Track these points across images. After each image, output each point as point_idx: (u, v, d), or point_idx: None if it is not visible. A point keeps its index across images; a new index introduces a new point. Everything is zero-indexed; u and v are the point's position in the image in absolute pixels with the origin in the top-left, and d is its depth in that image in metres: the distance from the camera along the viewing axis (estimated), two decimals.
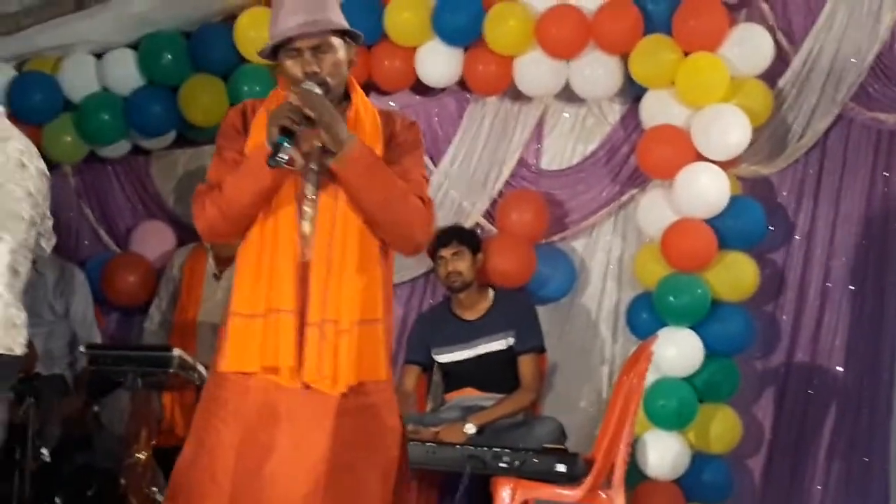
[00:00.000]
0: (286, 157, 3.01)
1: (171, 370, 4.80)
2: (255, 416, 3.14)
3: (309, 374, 3.12)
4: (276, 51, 3.20)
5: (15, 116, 5.66)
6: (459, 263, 5.30)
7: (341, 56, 3.19)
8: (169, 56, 5.90)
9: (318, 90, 3.11)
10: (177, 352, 4.81)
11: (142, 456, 4.91)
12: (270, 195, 3.13)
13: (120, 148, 6.16)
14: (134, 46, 5.97)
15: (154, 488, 4.90)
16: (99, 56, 6.00)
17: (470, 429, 5.03)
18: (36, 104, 5.91)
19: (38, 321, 5.39)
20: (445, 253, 5.32)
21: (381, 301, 3.20)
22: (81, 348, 5.05)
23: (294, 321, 3.12)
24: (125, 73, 5.96)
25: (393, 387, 3.32)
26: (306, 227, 3.16)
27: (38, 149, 5.75)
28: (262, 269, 3.14)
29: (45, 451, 4.89)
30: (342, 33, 3.21)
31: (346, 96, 3.26)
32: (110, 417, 5.14)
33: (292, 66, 3.17)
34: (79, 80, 5.99)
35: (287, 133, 3.02)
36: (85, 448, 5.41)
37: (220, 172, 3.19)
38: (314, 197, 3.17)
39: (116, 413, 4.99)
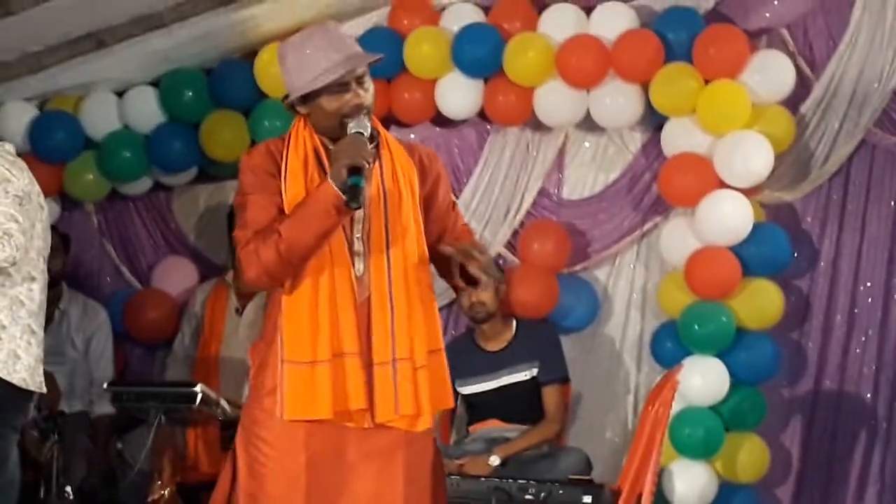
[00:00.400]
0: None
1: (195, 406, 4.79)
2: (320, 459, 3.10)
3: (383, 414, 3.09)
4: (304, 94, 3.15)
5: (37, 155, 5.72)
6: (483, 294, 5.28)
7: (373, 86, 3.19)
8: (190, 93, 5.92)
9: (366, 122, 3.10)
10: (200, 387, 4.80)
11: (165, 492, 4.89)
12: (332, 234, 3.08)
13: (141, 185, 6.17)
14: (155, 84, 5.99)
15: None
16: (120, 94, 6.02)
17: (494, 461, 5.02)
18: (58, 143, 5.93)
19: (61, 359, 5.42)
20: None
21: (440, 329, 3.22)
22: (104, 385, 5.05)
23: (360, 363, 3.08)
24: (146, 111, 5.98)
25: None
26: (359, 266, 3.12)
27: (60, 187, 5.94)
28: (319, 313, 3.08)
29: (69, 488, 4.88)
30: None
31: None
32: (134, 454, 5.13)
33: (333, 102, 3.10)
34: (100, 118, 6.00)
35: (356, 172, 2.99)
36: (109, 485, 5.40)
37: (262, 218, 3.09)
38: (361, 235, 3.13)
39: (140, 449, 4.97)
